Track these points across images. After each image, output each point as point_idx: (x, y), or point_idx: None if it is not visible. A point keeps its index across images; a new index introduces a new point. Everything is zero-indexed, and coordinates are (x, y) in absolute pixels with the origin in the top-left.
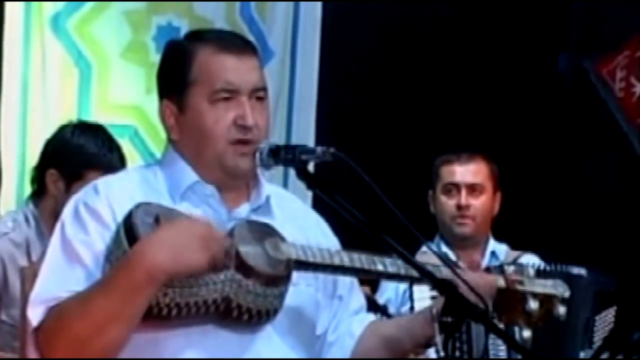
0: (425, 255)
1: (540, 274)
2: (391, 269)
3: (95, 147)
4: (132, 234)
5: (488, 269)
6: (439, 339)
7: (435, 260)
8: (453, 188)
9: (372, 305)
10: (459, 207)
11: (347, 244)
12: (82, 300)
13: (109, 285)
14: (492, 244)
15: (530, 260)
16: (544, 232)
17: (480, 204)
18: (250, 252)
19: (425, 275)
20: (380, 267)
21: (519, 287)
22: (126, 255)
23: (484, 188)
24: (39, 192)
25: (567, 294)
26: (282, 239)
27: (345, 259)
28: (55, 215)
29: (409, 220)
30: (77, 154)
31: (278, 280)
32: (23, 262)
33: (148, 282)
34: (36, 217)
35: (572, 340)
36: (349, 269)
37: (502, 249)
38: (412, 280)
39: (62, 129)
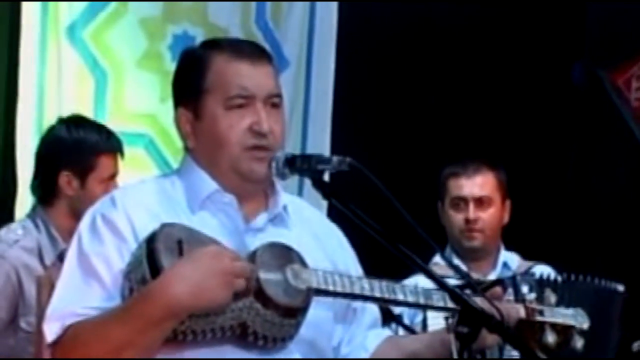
0: (437, 267)
1: (576, 285)
2: (411, 298)
3: (96, 134)
4: (153, 260)
5: (501, 281)
6: (454, 348)
7: (447, 272)
8: (461, 202)
9: (387, 315)
10: (467, 221)
11: (362, 253)
12: (100, 325)
13: (128, 315)
14: (504, 255)
15: (543, 270)
16: (556, 241)
17: (489, 216)
18: (270, 280)
19: (439, 285)
20: (400, 296)
21: (539, 318)
22: (147, 288)
23: (492, 200)
24: (48, 197)
25: (585, 325)
26: (304, 264)
27: (366, 286)
28: (72, 214)
29: (423, 230)
30: (83, 147)
31: (296, 311)
32: (36, 267)
33: (167, 317)
34: (46, 222)
35: (604, 355)
36: (369, 297)
37: (513, 259)
38: (431, 309)
39: (52, 130)
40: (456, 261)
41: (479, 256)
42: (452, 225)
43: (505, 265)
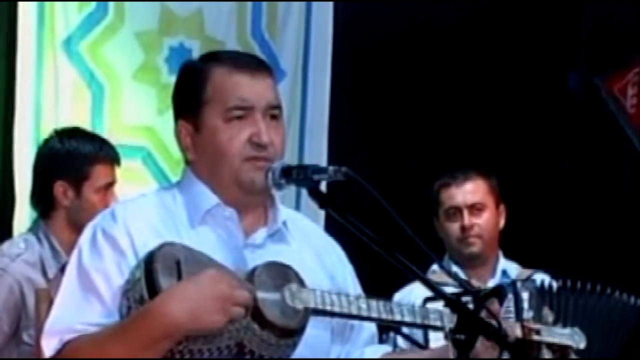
0: (435, 275)
1: (591, 297)
2: (408, 318)
3: (89, 144)
4: (152, 281)
5: (500, 287)
6: (452, 356)
7: (445, 280)
8: (455, 211)
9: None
10: (464, 228)
11: (359, 263)
12: (97, 343)
13: (126, 334)
14: (503, 263)
15: (542, 278)
16: (555, 249)
17: (484, 221)
18: (268, 300)
19: (437, 293)
20: (397, 316)
21: (535, 337)
22: (146, 307)
23: (485, 205)
24: (47, 210)
25: (582, 344)
26: (302, 283)
27: (363, 306)
28: (71, 225)
29: (421, 240)
30: (77, 157)
31: (293, 332)
32: (39, 281)
33: (164, 338)
34: (47, 235)
35: None
36: (366, 317)
37: (512, 267)
38: (428, 328)
39: (47, 142)
40: (455, 269)
41: (478, 263)
42: (449, 235)
43: (504, 273)
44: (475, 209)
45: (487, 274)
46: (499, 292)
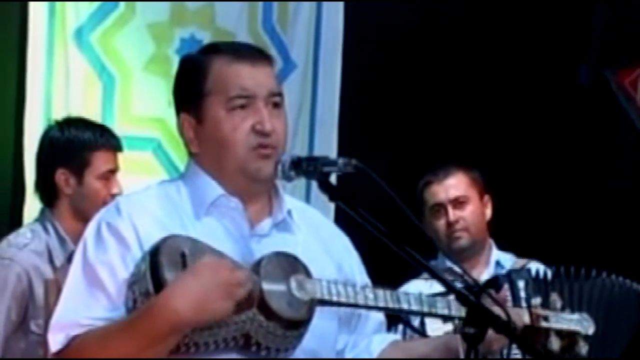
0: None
1: (591, 282)
2: (415, 307)
3: (89, 132)
4: (157, 275)
5: (496, 278)
6: (461, 349)
7: (446, 276)
8: (439, 208)
9: (394, 316)
10: (449, 224)
11: (369, 256)
12: (104, 339)
13: (132, 330)
14: (496, 254)
15: (537, 267)
16: (563, 240)
17: (469, 214)
18: (273, 291)
19: (448, 287)
20: (404, 305)
21: (544, 324)
22: (150, 303)
23: (468, 198)
24: (51, 199)
25: (591, 330)
26: (308, 273)
27: (370, 296)
28: (75, 213)
29: (422, 235)
30: (77, 144)
31: (299, 323)
32: (47, 270)
33: (170, 333)
34: (54, 224)
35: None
36: (373, 307)
37: (507, 258)
38: (436, 317)
39: (47, 132)
40: (448, 265)
41: (469, 255)
42: (436, 232)
43: (498, 264)
44: (458, 202)
45: (480, 265)
46: (494, 283)
